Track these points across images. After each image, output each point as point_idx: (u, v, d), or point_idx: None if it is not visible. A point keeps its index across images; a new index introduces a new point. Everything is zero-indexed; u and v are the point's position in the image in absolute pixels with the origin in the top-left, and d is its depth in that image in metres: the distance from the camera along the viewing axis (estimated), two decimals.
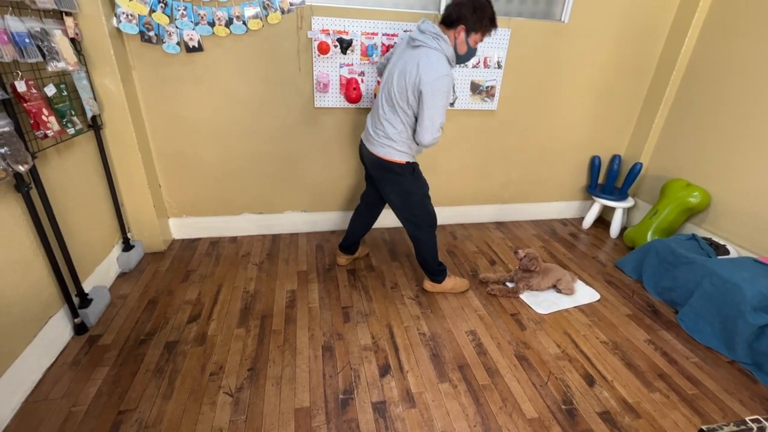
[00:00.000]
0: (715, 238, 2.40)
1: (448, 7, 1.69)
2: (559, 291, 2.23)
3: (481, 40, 1.74)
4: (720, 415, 1.56)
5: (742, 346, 1.79)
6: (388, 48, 2.27)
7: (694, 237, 2.33)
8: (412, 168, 1.83)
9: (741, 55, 2.31)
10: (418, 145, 1.79)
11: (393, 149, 1.77)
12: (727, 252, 2.27)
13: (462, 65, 2.43)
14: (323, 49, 2.19)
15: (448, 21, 1.68)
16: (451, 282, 2.16)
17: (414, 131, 1.75)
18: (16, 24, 1.40)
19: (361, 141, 1.95)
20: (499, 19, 2.34)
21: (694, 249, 2.23)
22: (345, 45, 2.21)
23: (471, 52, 1.77)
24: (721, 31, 2.41)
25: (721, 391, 1.68)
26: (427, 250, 2.04)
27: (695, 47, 2.57)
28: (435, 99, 1.63)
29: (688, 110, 2.63)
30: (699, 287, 2.00)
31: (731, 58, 2.36)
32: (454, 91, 1.93)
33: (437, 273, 2.12)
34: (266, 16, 2.09)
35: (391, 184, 1.87)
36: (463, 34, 1.68)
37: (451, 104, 2.54)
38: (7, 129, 1.34)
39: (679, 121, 2.70)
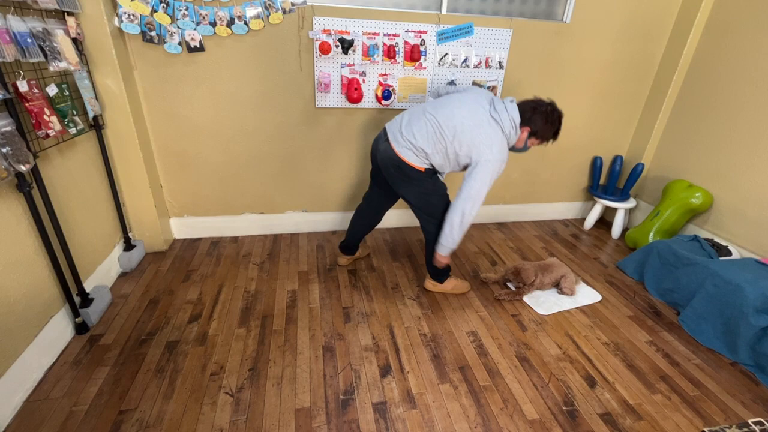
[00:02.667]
0: (717, 240, 2.39)
1: (526, 103, 1.76)
2: (560, 291, 2.22)
3: (534, 144, 1.84)
4: (722, 417, 1.55)
5: (744, 347, 1.79)
6: (389, 48, 2.27)
7: (696, 238, 2.32)
8: (431, 173, 1.83)
9: (743, 56, 2.30)
10: (451, 215, 1.77)
11: (418, 158, 1.77)
12: (729, 253, 2.26)
13: (463, 66, 2.43)
14: (325, 49, 2.19)
15: (523, 116, 1.74)
16: (452, 283, 2.16)
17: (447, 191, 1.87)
18: (18, 24, 1.41)
19: (378, 139, 1.90)
20: (501, 19, 2.37)
21: (696, 250, 2.22)
22: (346, 45, 2.21)
23: (523, 149, 1.87)
24: (723, 31, 2.41)
25: (723, 392, 1.67)
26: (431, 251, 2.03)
27: (698, 47, 2.56)
28: (485, 174, 1.68)
29: (691, 111, 2.62)
30: (701, 288, 1.99)
31: (734, 59, 2.36)
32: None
33: (441, 272, 2.11)
34: (268, 16, 2.10)
35: (408, 186, 1.84)
36: (526, 134, 1.77)
37: None
38: (8, 128, 1.34)
39: (682, 121, 2.69)
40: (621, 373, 1.74)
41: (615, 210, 2.93)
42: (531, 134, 1.77)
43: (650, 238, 2.57)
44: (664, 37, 2.67)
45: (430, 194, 1.86)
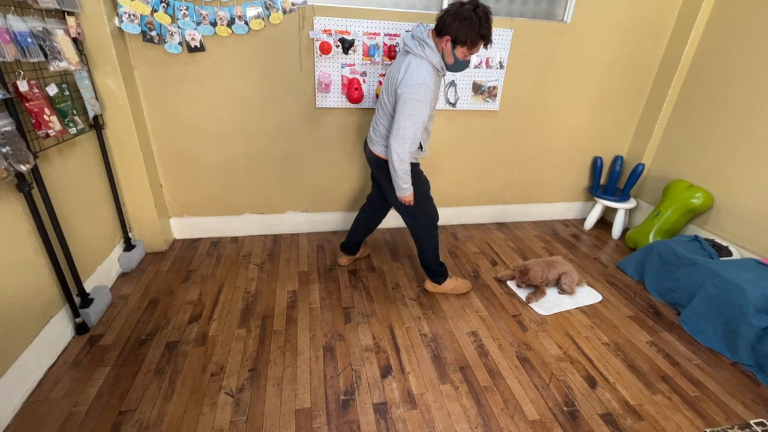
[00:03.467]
0: (717, 240, 2.39)
1: (442, 12, 1.62)
2: (560, 289, 2.22)
3: (471, 53, 1.65)
4: (723, 418, 1.55)
5: (744, 348, 1.79)
6: (390, 48, 2.27)
7: (696, 238, 2.32)
8: (413, 166, 1.82)
9: (745, 56, 2.30)
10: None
11: (382, 148, 1.81)
12: (729, 253, 2.26)
13: None
14: (325, 49, 2.19)
15: (436, 29, 1.63)
16: (452, 283, 2.15)
17: None
18: (18, 23, 1.40)
19: (365, 141, 1.96)
20: (501, 19, 2.36)
21: (696, 250, 2.22)
22: (347, 45, 2.21)
23: (461, 64, 1.70)
24: (724, 30, 2.41)
25: (724, 393, 1.67)
26: (427, 250, 2.04)
27: (698, 47, 2.56)
28: (405, 107, 1.59)
29: (691, 111, 2.62)
30: (701, 289, 1.99)
31: (735, 59, 2.36)
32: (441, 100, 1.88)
33: (438, 274, 2.11)
34: (268, 16, 2.09)
35: (389, 183, 1.83)
36: (449, 45, 1.62)
37: (453, 104, 2.53)
38: (9, 128, 1.34)
39: (682, 121, 2.69)
40: (622, 373, 1.73)
41: (615, 210, 2.93)
42: (453, 42, 1.60)
43: (650, 239, 2.57)
44: (665, 36, 2.67)
45: (416, 187, 1.84)
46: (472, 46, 1.62)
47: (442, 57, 1.67)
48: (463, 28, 1.56)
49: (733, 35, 2.36)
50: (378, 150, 1.83)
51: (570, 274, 2.23)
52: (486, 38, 1.60)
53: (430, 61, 1.63)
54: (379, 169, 1.86)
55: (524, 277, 2.19)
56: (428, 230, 1.98)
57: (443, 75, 1.75)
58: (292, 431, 1.41)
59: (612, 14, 2.51)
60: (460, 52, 1.63)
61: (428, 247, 2.03)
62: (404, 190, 1.76)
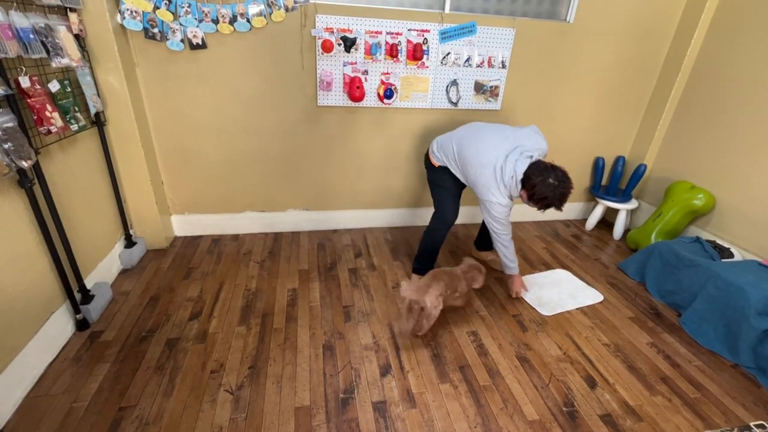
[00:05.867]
0: (719, 241, 2.38)
1: (536, 166, 1.76)
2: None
3: (530, 203, 1.81)
4: (723, 420, 1.55)
5: (745, 350, 1.78)
6: (392, 47, 2.26)
7: (698, 240, 2.31)
8: (442, 169, 2.02)
9: (748, 57, 2.29)
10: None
11: (440, 157, 2.01)
12: (731, 255, 2.26)
13: (466, 65, 2.42)
14: (327, 47, 2.19)
15: (525, 176, 1.76)
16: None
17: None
18: (20, 19, 1.40)
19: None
20: (504, 19, 2.36)
21: (698, 252, 2.21)
22: (349, 43, 2.21)
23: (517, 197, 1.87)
24: (728, 31, 2.39)
25: (724, 395, 1.66)
26: (424, 237, 2.15)
27: (702, 48, 2.55)
28: (489, 215, 1.88)
29: (694, 111, 2.61)
30: (702, 290, 1.98)
31: (738, 60, 2.34)
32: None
33: (415, 266, 2.23)
34: (270, 14, 2.09)
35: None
36: (525, 196, 1.80)
37: (455, 104, 2.53)
38: (10, 124, 1.34)
39: (685, 122, 2.68)
40: (621, 374, 1.73)
41: (617, 211, 2.92)
42: (529, 198, 1.78)
43: (652, 239, 2.56)
44: (668, 37, 2.66)
45: (433, 182, 2.10)
46: (541, 208, 1.78)
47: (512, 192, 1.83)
48: (541, 196, 1.73)
49: (736, 36, 2.35)
50: (432, 156, 2.06)
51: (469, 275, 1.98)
52: (557, 208, 1.77)
53: (510, 192, 1.82)
54: (425, 167, 2.17)
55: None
56: (435, 220, 2.11)
57: (513, 199, 1.89)
58: (291, 429, 1.41)
59: (615, 14, 2.50)
60: (531, 204, 1.80)
61: (426, 235, 2.15)
62: (508, 268, 2.08)
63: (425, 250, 2.17)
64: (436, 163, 2.03)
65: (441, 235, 2.11)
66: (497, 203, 1.82)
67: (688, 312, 2.03)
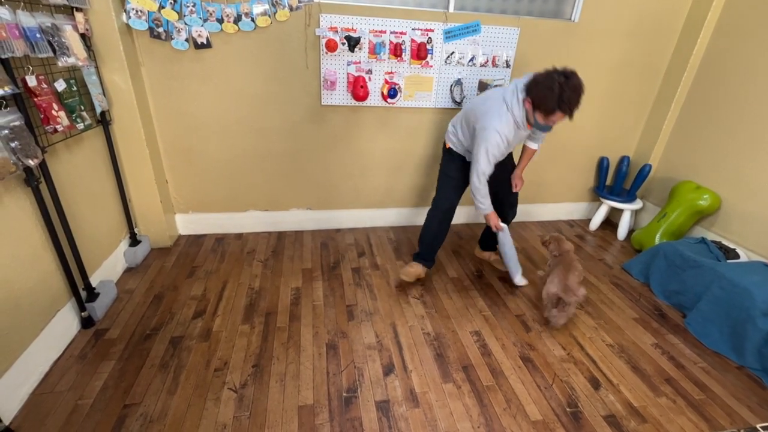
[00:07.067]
0: (725, 242, 2.37)
1: (536, 74, 1.64)
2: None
3: (550, 121, 1.66)
4: (728, 422, 1.54)
5: (751, 351, 1.77)
6: (396, 46, 2.26)
7: (703, 240, 2.30)
8: (451, 154, 2.05)
9: (755, 56, 2.27)
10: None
11: (450, 136, 2.04)
12: (737, 256, 2.24)
13: (470, 64, 2.42)
14: (331, 46, 2.19)
15: (527, 86, 1.68)
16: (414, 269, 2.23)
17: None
18: (27, 19, 1.41)
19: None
20: (508, 18, 2.35)
21: (703, 252, 2.20)
22: (353, 43, 2.21)
23: (541, 127, 1.74)
24: (735, 30, 2.38)
25: (729, 396, 1.65)
26: (424, 224, 2.20)
27: (708, 47, 2.53)
28: (480, 147, 1.77)
29: (700, 111, 2.60)
30: (708, 291, 1.97)
31: (745, 59, 2.32)
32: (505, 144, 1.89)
33: (416, 251, 2.25)
34: (275, 13, 2.09)
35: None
36: (530, 107, 1.68)
37: (459, 103, 2.52)
38: (17, 123, 1.35)
39: (690, 122, 2.66)
40: (625, 375, 1.72)
41: (621, 211, 2.91)
42: (534, 107, 1.65)
43: (656, 240, 2.55)
44: (674, 36, 2.64)
45: (441, 167, 2.14)
46: (548, 114, 1.63)
47: (526, 115, 1.73)
48: (543, 95, 1.58)
49: (743, 35, 2.33)
50: (446, 138, 2.07)
51: (548, 279, 1.98)
52: (564, 111, 1.59)
53: (512, 113, 1.72)
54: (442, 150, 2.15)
55: (555, 248, 2.10)
56: (433, 205, 2.15)
57: (521, 128, 1.79)
58: (294, 427, 1.41)
59: (620, 13, 2.48)
60: (539, 116, 1.67)
61: (425, 222, 2.19)
62: (480, 210, 2.01)
63: (421, 236, 2.21)
64: (448, 143, 2.05)
65: (435, 221, 2.14)
66: (494, 129, 1.71)
67: (693, 313, 2.02)
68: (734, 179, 2.39)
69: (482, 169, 1.82)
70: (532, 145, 2.11)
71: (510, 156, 2.15)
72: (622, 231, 2.90)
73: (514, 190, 2.18)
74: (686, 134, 2.69)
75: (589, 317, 2.07)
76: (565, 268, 1.96)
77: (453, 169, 2.06)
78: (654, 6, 2.50)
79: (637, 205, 2.84)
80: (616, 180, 2.96)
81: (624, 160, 2.92)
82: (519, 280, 2.26)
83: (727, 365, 1.82)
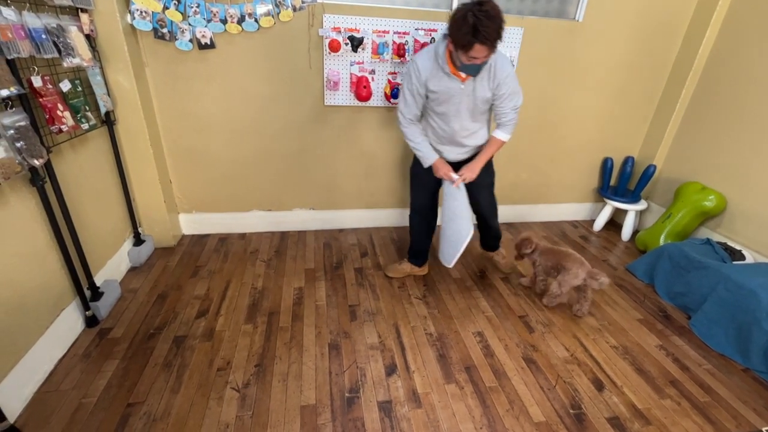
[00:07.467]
0: (730, 243, 2.35)
1: None
2: (548, 281, 2.13)
3: (469, 57, 1.52)
4: (733, 424, 1.53)
5: (757, 353, 1.75)
6: (399, 46, 2.26)
7: (708, 241, 2.28)
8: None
9: (761, 56, 2.25)
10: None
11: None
12: (743, 257, 2.22)
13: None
14: (334, 47, 2.19)
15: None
16: (401, 266, 2.29)
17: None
18: (33, 20, 1.42)
19: None
20: (512, 17, 2.34)
21: (708, 254, 2.18)
22: (356, 43, 2.21)
23: (469, 68, 1.60)
24: (740, 30, 2.36)
25: (735, 399, 1.64)
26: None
27: (713, 47, 2.51)
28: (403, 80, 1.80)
29: (705, 111, 2.58)
30: (713, 293, 1.95)
31: (751, 59, 2.30)
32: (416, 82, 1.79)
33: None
34: (278, 14, 2.10)
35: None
36: (453, 47, 1.55)
37: None
38: (23, 123, 1.36)
39: (695, 122, 2.64)
40: (629, 377, 1.71)
41: (625, 212, 2.89)
42: (454, 46, 1.53)
43: (661, 241, 2.53)
44: (679, 35, 2.62)
45: (410, 167, 2.12)
46: (465, 50, 1.50)
47: (451, 57, 1.65)
48: (458, 28, 1.46)
49: (749, 35, 2.31)
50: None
51: (570, 271, 1.97)
52: (482, 41, 1.44)
53: (436, 50, 1.69)
54: None
55: (525, 243, 2.11)
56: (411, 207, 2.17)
57: (443, 69, 1.66)
58: (297, 427, 1.41)
59: (625, 13, 2.47)
60: (461, 55, 1.53)
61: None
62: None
63: (410, 235, 2.25)
64: None
65: (413, 221, 2.19)
66: (412, 60, 1.72)
67: (698, 314, 2.01)
68: (740, 180, 2.37)
69: (400, 106, 1.82)
70: (500, 135, 1.86)
71: (490, 173, 2.04)
72: (626, 232, 2.88)
73: (455, 182, 1.87)
74: (691, 135, 2.67)
75: (592, 318, 2.06)
76: (566, 257, 2.03)
77: (416, 165, 2.02)
78: (659, 5, 2.48)
79: (642, 205, 2.82)
80: (621, 180, 2.95)
81: (628, 161, 2.90)
82: (448, 260, 1.99)
83: (732, 367, 1.80)
